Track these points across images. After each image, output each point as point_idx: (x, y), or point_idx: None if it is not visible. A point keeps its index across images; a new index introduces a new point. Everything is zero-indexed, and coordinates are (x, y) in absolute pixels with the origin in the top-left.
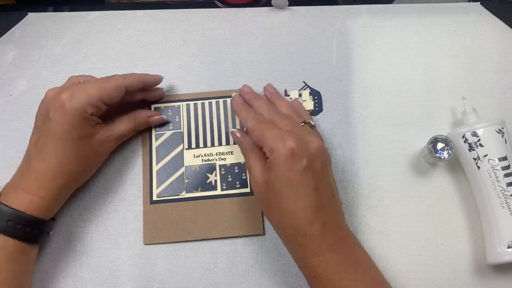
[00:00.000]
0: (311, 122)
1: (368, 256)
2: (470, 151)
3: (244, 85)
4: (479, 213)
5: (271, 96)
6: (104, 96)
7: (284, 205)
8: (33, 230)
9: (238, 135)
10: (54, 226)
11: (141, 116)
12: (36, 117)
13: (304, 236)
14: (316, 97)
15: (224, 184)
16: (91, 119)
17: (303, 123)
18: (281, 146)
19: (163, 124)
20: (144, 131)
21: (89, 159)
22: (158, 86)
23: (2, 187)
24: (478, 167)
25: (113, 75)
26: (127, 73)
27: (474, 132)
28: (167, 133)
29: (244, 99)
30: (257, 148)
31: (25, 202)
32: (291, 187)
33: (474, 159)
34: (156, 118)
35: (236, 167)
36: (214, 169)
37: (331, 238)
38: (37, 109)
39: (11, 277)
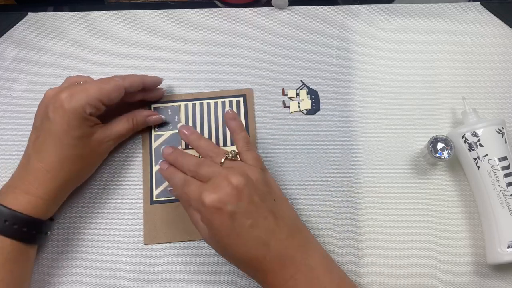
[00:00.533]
0: (229, 155)
1: (326, 260)
2: (470, 151)
3: (164, 148)
4: (479, 213)
5: (187, 139)
6: (104, 96)
7: (234, 255)
8: (30, 230)
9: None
10: (53, 226)
11: (139, 115)
12: (35, 117)
13: (264, 274)
14: (313, 96)
15: None
16: (90, 119)
17: (223, 160)
18: (201, 206)
19: (162, 124)
20: (143, 132)
21: (88, 159)
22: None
23: (0, 187)
24: (478, 167)
25: (113, 76)
26: (127, 73)
27: (474, 132)
28: (166, 134)
29: (168, 161)
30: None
31: (23, 202)
32: (229, 238)
33: (474, 159)
34: (155, 118)
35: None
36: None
37: (292, 266)
38: (36, 108)
39: (10, 277)
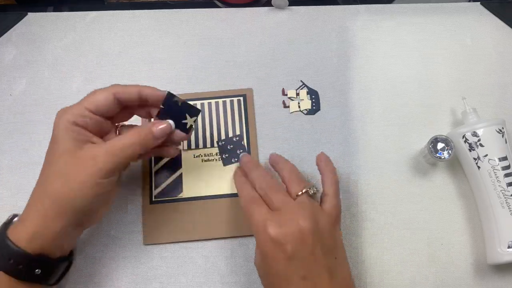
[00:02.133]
0: (310, 190)
1: None
2: (470, 151)
3: (243, 155)
4: (479, 213)
5: (272, 162)
6: (90, 103)
7: None
8: (27, 269)
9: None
10: (59, 268)
11: (144, 128)
12: None
13: None
14: (313, 96)
15: (224, 149)
16: (76, 131)
17: (301, 193)
18: (261, 234)
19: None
20: None
21: (74, 179)
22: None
23: (2, 190)
24: (478, 167)
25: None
26: (126, 73)
27: (474, 132)
28: None
29: (244, 170)
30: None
31: (20, 236)
32: (277, 277)
33: (474, 159)
34: (161, 127)
35: (238, 135)
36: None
37: None
38: (36, 108)
39: None
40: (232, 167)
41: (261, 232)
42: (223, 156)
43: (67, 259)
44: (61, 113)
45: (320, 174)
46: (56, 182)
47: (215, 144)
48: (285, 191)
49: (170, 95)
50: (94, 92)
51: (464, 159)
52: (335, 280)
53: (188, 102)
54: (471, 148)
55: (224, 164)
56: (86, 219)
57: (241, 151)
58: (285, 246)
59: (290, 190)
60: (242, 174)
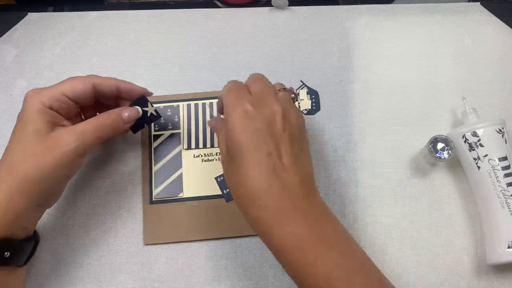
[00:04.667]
0: (291, 92)
1: (339, 229)
2: (470, 151)
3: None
4: (479, 213)
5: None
6: (68, 89)
7: (237, 172)
8: (10, 253)
9: (212, 122)
10: (26, 249)
11: (114, 113)
12: None
13: (258, 208)
14: (313, 96)
15: (223, 185)
16: (49, 114)
17: (280, 90)
18: (236, 108)
19: (161, 124)
20: (144, 132)
21: (42, 158)
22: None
23: None
24: (478, 167)
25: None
26: (126, 73)
27: (474, 132)
28: (165, 134)
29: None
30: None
31: None
32: (242, 149)
33: (474, 159)
34: (130, 112)
35: None
36: (147, 101)
37: (289, 210)
38: None
39: None
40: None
41: (236, 106)
42: (224, 192)
43: (33, 239)
44: (35, 93)
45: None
46: (26, 162)
47: (215, 145)
48: (266, 84)
49: (144, 100)
50: (73, 79)
51: (464, 159)
52: (298, 167)
53: (158, 110)
54: (471, 148)
55: (227, 200)
56: (50, 199)
57: None
58: (256, 121)
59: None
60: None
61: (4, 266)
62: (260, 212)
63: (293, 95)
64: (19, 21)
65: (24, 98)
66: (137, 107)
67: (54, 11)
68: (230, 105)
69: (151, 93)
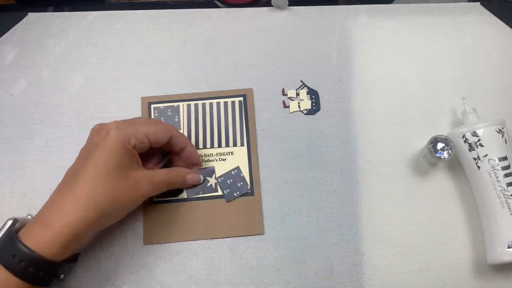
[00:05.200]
0: None
1: None
2: (470, 151)
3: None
4: (479, 213)
5: None
6: (151, 133)
7: None
8: (46, 275)
9: None
10: (71, 269)
11: (180, 171)
12: (80, 150)
13: None
14: (313, 96)
15: (224, 185)
16: (133, 153)
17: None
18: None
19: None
20: None
21: (120, 195)
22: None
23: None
24: (478, 167)
25: (165, 123)
26: (126, 73)
27: (474, 132)
28: None
29: None
30: None
31: (43, 240)
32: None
33: (474, 159)
34: (195, 178)
35: (236, 168)
36: (214, 172)
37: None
38: (36, 108)
39: None
40: (236, 201)
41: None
42: (225, 192)
43: (74, 259)
44: (120, 127)
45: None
46: (106, 195)
47: (215, 145)
48: None
49: (211, 170)
50: (156, 124)
51: (464, 159)
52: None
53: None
54: (471, 148)
55: (228, 200)
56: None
57: (242, 183)
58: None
59: None
60: None
61: (55, 286)
62: None
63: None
64: (19, 21)
65: (106, 128)
66: (201, 175)
67: (54, 11)
68: None
69: (201, 166)
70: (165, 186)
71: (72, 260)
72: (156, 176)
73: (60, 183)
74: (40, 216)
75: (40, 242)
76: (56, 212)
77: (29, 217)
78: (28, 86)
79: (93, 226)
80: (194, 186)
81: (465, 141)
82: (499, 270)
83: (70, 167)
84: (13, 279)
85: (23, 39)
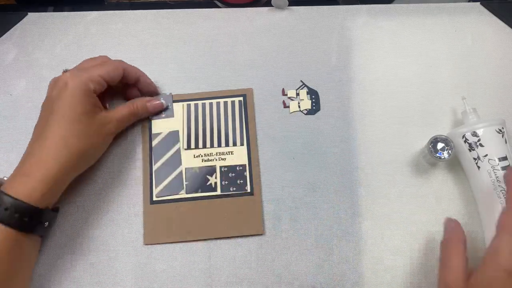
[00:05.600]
0: None
1: None
2: (470, 151)
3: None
4: (479, 212)
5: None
6: (105, 74)
7: None
8: (31, 220)
9: None
10: (54, 218)
11: (139, 101)
12: (42, 105)
13: None
14: (313, 96)
15: (224, 185)
16: (93, 97)
17: None
18: (496, 259)
19: (159, 112)
20: (144, 131)
21: (92, 138)
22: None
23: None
24: (478, 167)
25: (114, 60)
26: None
27: (474, 132)
28: (164, 132)
29: None
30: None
31: (20, 187)
32: None
33: (474, 159)
34: (155, 103)
35: (236, 167)
36: (214, 171)
37: None
38: (36, 108)
39: (3, 267)
40: (237, 201)
41: (498, 256)
42: (223, 183)
43: (57, 209)
44: (76, 76)
45: None
46: (80, 141)
47: (215, 144)
48: None
49: (170, 97)
50: (106, 63)
51: (464, 159)
52: None
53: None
54: (471, 148)
55: (222, 191)
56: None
57: (242, 181)
58: None
59: None
60: None
61: (41, 234)
62: None
63: None
64: (19, 21)
65: (62, 79)
66: (163, 101)
67: (54, 11)
68: (492, 251)
69: (158, 92)
70: (129, 118)
71: (53, 210)
72: (118, 112)
73: (31, 139)
74: (18, 169)
75: (23, 190)
76: (34, 163)
77: (5, 178)
78: (28, 86)
79: (70, 171)
80: (158, 113)
81: (465, 141)
82: None
83: (37, 123)
84: (0, 227)
85: (23, 39)
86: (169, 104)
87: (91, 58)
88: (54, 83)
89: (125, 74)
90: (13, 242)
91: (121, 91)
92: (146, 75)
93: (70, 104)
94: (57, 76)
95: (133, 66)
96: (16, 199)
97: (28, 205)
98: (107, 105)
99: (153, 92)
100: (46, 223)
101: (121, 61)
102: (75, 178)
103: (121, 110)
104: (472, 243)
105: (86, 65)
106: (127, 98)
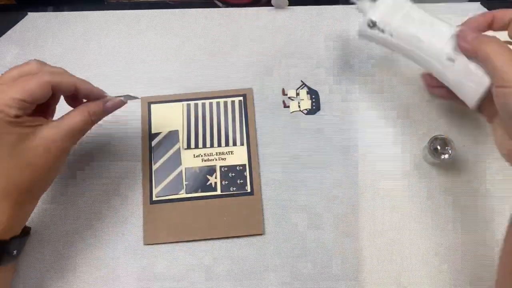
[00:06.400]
0: None
1: None
2: (383, 32)
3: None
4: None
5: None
6: (26, 95)
7: None
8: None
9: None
10: (24, 243)
11: (93, 105)
12: None
13: None
14: (313, 96)
15: (224, 185)
16: (20, 122)
17: None
18: None
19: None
20: (144, 131)
21: (37, 166)
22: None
23: None
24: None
25: (41, 72)
26: (125, 73)
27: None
28: (163, 132)
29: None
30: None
31: None
32: None
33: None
34: (113, 103)
35: (236, 167)
36: (214, 171)
37: None
38: None
39: None
40: (236, 200)
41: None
42: (223, 183)
43: (27, 232)
44: None
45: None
46: (24, 174)
47: (215, 144)
48: None
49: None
50: (26, 81)
51: (389, 43)
52: None
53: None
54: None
55: (222, 191)
56: (41, 194)
57: (242, 181)
58: None
59: None
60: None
61: (11, 263)
62: None
63: None
64: (19, 21)
65: None
66: (122, 98)
67: (54, 11)
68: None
69: (107, 97)
70: (83, 128)
71: (23, 234)
72: (67, 122)
73: None
74: None
75: None
76: None
77: None
78: None
79: (27, 201)
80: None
81: (371, 27)
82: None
83: None
84: None
85: (23, 39)
86: (208, 177)
87: (16, 67)
88: None
89: (55, 88)
90: None
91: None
92: (85, 80)
93: None
94: None
95: (67, 73)
96: None
97: None
98: (53, 113)
99: (101, 96)
100: (15, 252)
101: (47, 74)
102: (74, 178)
103: (71, 119)
104: (472, 242)
105: (2, 85)
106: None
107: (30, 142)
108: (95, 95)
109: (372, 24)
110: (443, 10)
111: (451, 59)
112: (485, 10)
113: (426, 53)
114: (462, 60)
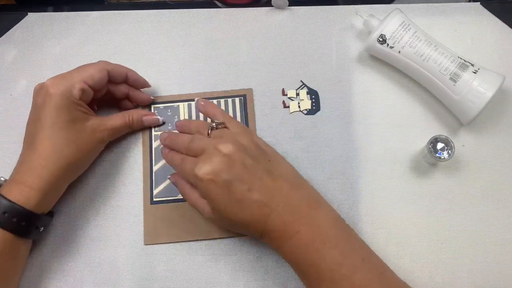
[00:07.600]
0: (213, 125)
1: (332, 215)
2: (391, 48)
3: (161, 133)
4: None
5: (181, 128)
6: (87, 77)
7: (238, 222)
8: (28, 225)
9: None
10: (50, 222)
11: (136, 113)
12: (30, 112)
13: (269, 233)
14: (313, 97)
15: None
16: (79, 104)
17: (209, 130)
18: (196, 180)
19: (161, 124)
20: (143, 132)
21: (82, 145)
22: (147, 92)
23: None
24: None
25: (99, 61)
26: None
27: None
28: None
29: (166, 146)
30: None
31: (21, 195)
32: (229, 207)
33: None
34: (151, 118)
35: None
36: (177, 113)
37: (296, 221)
38: None
39: None
40: None
41: (196, 180)
42: None
43: (52, 213)
44: (58, 85)
45: (207, 115)
46: (70, 148)
47: None
48: (201, 135)
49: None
50: (88, 67)
51: (394, 59)
52: (278, 177)
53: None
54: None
55: None
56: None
57: None
58: (219, 177)
59: (203, 132)
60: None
61: (35, 238)
62: (264, 234)
63: (218, 121)
64: (19, 21)
65: (44, 87)
66: (158, 117)
67: (54, 11)
68: (189, 177)
69: (150, 86)
70: (122, 129)
71: (49, 215)
72: (111, 121)
73: (22, 146)
74: (13, 175)
75: (19, 196)
76: (26, 171)
77: (2, 179)
78: (28, 86)
79: (61, 178)
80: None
81: (381, 42)
82: (500, 270)
83: (26, 130)
84: (7, 235)
85: (23, 39)
86: (176, 116)
87: (78, 67)
88: (38, 90)
89: (110, 74)
90: (8, 245)
91: (108, 94)
92: (133, 70)
93: (55, 112)
94: (41, 82)
95: (117, 64)
96: (14, 203)
97: (25, 210)
98: (95, 107)
99: (144, 85)
100: (41, 228)
101: (104, 62)
102: (74, 179)
103: (115, 120)
104: (472, 242)
105: (70, 72)
106: (119, 107)
107: (80, 124)
108: (141, 83)
109: (382, 40)
110: (443, 10)
111: (453, 79)
112: (485, 10)
113: (430, 71)
114: (465, 78)
